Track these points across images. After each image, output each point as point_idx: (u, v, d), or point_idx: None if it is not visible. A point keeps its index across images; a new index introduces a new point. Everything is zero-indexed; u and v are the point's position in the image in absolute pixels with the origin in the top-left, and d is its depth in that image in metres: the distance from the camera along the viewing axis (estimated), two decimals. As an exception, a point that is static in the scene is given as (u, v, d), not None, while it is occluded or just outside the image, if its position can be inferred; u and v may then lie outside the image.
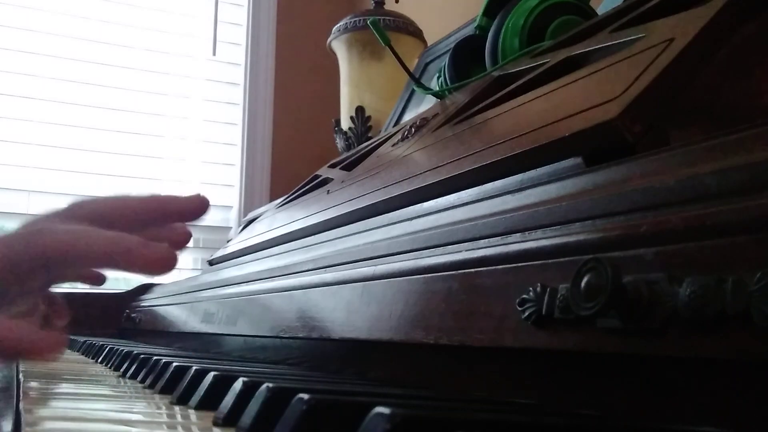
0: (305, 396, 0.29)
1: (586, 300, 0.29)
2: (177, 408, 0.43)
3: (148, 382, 0.56)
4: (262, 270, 0.78)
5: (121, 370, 0.68)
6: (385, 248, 0.50)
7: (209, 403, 0.41)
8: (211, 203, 0.52)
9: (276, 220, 1.03)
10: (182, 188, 2.23)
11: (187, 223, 0.52)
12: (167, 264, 0.43)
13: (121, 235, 0.43)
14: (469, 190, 0.51)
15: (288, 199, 1.14)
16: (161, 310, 1.22)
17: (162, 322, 1.20)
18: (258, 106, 2.31)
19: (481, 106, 0.65)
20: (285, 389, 0.33)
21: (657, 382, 0.29)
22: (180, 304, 1.10)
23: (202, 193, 0.52)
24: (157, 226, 0.50)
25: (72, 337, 1.34)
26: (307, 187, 1.07)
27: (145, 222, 0.49)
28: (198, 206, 0.51)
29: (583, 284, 0.30)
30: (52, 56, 2.10)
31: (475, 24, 0.89)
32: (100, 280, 0.59)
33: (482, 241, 0.39)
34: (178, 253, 0.45)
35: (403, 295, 0.45)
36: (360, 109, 1.60)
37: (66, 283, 0.53)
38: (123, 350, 0.76)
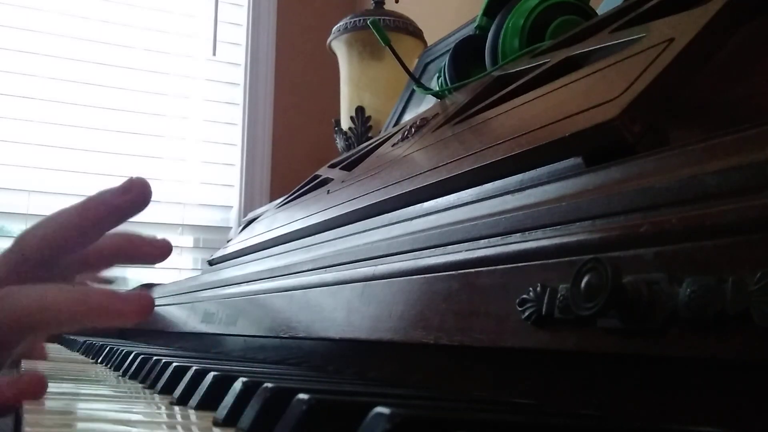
0: (305, 396, 0.29)
1: (586, 300, 0.29)
2: (177, 408, 0.43)
3: (148, 382, 0.56)
4: (262, 270, 0.78)
5: (121, 370, 0.68)
6: (385, 248, 0.50)
7: (209, 403, 0.41)
8: (173, 246, 0.52)
9: (276, 220, 1.03)
10: (182, 188, 2.23)
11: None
12: (142, 311, 0.42)
13: (88, 291, 0.42)
14: (469, 190, 0.51)
15: (288, 199, 1.14)
16: (161, 310, 1.22)
17: (162, 322, 1.20)
18: (258, 106, 2.32)
19: (481, 106, 0.65)
20: (285, 389, 0.33)
21: (657, 382, 0.29)
22: (180, 304, 1.10)
23: (166, 238, 0.51)
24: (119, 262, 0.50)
25: (72, 337, 1.34)
26: (307, 187, 1.07)
27: (106, 260, 0.49)
28: (161, 251, 0.51)
29: (583, 284, 0.30)
30: (52, 56, 2.10)
31: (475, 24, 0.89)
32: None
33: (482, 241, 0.39)
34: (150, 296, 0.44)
35: (403, 295, 0.45)
36: (360, 109, 1.61)
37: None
38: (123, 350, 0.76)
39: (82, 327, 0.44)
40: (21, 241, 0.47)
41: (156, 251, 0.51)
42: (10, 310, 0.41)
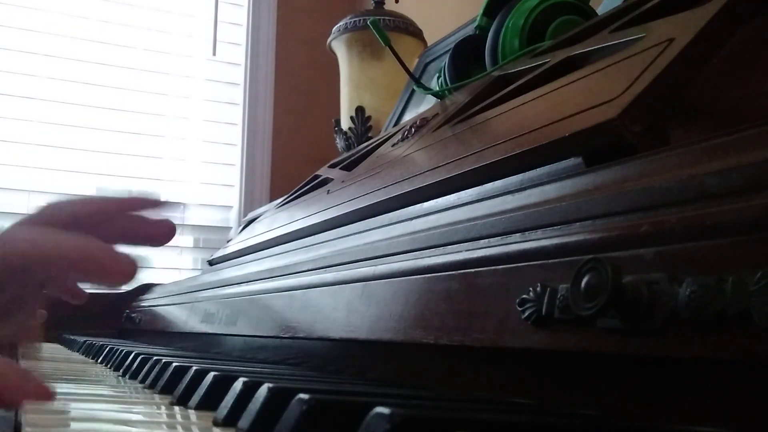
0: (305, 396, 0.29)
1: (586, 300, 0.29)
2: (177, 408, 0.43)
3: (148, 382, 0.56)
4: (262, 270, 0.78)
5: (121, 370, 0.68)
6: (385, 248, 0.50)
7: (209, 403, 0.41)
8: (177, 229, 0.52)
9: (276, 220, 1.03)
10: (182, 188, 2.23)
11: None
12: (126, 275, 0.42)
13: (85, 240, 0.42)
14: (469, 190, 0.51)
15: (288, 199, 1.14)
16: (161, 310, 1.22)
17: (162, 322, 1.20)
18: (258, 106, 2.31)
19: (481, 106, 0.65)
20: (285, 389, 0.33)
21: (657, 382, 0.29)
22: (180, 304, 1.10)
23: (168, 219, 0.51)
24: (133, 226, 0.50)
25: (72, 337, 1.34)
26: (307, 187, 1.07)
27: (119, 225, 0.49)
28: (166, 231, 0.51)
29: (583, 284, 0.30)
30: (52, 56, 2.10)
31: (475, 24, 0.89)
32: (81, 297, 0.58)
33: (482, 241, 0.39)
34: (157, 249, 0.45)
35: (403, 295, 0.45)
36: (360, 109, 1.60)
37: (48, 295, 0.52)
38: (123, 350, 0.76)
39: (72, 274, 0.44)
40: (48, 207, 0.48)
41: (159, 231, 0.51)
42: (2, 251, 0.42)
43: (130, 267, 0.42)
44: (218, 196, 2.29)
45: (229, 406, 0.36)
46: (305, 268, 0.63)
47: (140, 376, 0.60)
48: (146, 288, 1.55)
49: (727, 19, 0.44)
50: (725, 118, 0.43)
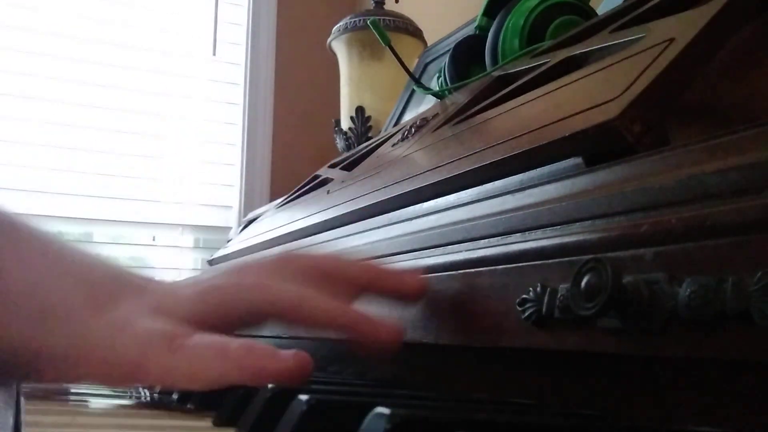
0: (305, 396, 0.29)
1: (586, 300, 0.29)
2: (177, 408, 0.43)
3: (148, 382, 0.56)
4: (262, 270, 0.77)
5: (121, 370, 0.68)
6: (385, 248, 0.50)
7: (209, 402, 0.41)
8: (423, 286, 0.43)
9: (276, 220, 1.03)
10: (182, 188, 2.23)
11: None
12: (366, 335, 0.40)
13: (344, 310, 0.41)
14: (469, 190, 0.51)
15: (288, 199, 1.14)
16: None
17: (162, 322, 1.19)
18: (258, 106, 2.31)
19: (481, 106, 0.65)
20: (285, 389, 0.33)
21: (657, 382, 0.29)
22: (180, 304, 1.09)
23: (422, 278, 0.43)
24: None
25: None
26: (307, 187, 1.07)
27: (358, 290, 0.45)
28: (416, 289, 0.43)
29: (583, 284, 0.30)
30: (52, 56, 2.10)
31: (475, 24, 0.89)
32: None
33: (482, 241, 0.39)
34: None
35: (403, 295, 0.45)
36: (360, 109, 1.60)
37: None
38: (123, 350, 0.75)
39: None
40: (285, 259, 0.45)
41: (408, 288, 0.44)
42: (262, 298, 0.41)
43: (359, 326, 0.40)
44: (218, 196, 2.29)
45: (230, 406, 0.36)
46: (305, 268, 0.63)
47: (140, 376, 0.60)
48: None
49: (727, 19, 0.44)
50: (725, 118, 0.43)
